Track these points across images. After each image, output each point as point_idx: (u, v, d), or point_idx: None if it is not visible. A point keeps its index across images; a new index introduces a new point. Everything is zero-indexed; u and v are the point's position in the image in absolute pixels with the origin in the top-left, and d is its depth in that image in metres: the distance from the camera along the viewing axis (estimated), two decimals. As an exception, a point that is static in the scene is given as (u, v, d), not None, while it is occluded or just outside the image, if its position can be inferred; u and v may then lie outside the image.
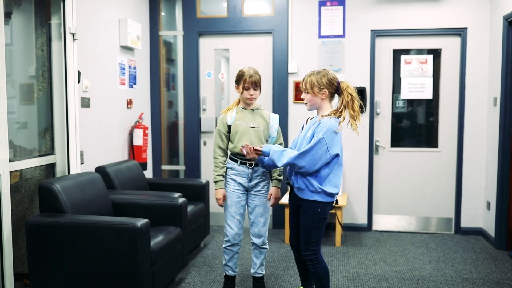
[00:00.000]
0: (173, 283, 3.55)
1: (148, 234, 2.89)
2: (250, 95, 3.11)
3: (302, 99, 2.81)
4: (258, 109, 3.22)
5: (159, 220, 3.45)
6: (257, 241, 3.23)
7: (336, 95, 2.79)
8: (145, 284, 2.85)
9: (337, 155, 2.66)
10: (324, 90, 2.69)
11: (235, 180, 3.18)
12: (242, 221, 3.23)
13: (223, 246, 3.27)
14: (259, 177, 3.17)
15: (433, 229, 5.02)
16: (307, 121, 2.86)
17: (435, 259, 4.15)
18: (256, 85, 3.11)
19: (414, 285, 3.54)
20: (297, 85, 5.00)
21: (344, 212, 5.01)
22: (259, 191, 3.19)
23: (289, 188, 2.93)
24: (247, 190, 3.22)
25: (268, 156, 2.78)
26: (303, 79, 2.76)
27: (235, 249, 3.24)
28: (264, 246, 3.26)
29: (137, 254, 2.80)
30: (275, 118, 3.23)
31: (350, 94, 2.67)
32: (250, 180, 3.16)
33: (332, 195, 2.71)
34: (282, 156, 2.70)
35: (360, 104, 2.74)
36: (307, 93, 2.73)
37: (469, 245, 4.54)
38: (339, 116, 2.68)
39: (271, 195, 3.20)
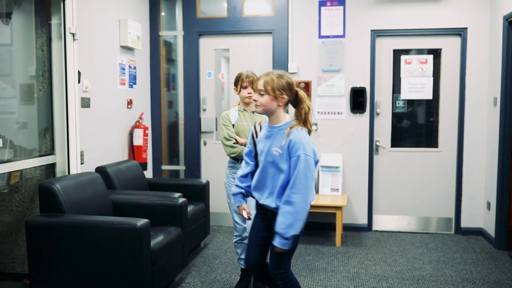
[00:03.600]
0: (173, 283, 3.55)
1: (148, 234, 2.89)
2: (248, 93, 3.23)
3: (256, 100, 2.44)
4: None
5: (159, 220, 3.45)
6: None
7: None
8: (145, 284, 2.85)
9: (317, 161, 2.43)
10: (284, 96, 2.39)
11: (235, 179, 3.22)
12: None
13: (234, 241, 3.38)
14: None
15: (433, 229, 5.02)
16: (260, 126, 2.59)
17: (435, 259, 4.15)
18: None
19: (414, 285, 3.54)
20: (297, 85, 4.98)
21: (344, 212, 5.01)
22: None
23: (255, 202, 2.63)
24: None
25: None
26: (260, 78, 2.43)
27: (246, 241, 3.33)
28: None
29: (137, 254, 2.80)
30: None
31: (309, 105, 2.43)
32: None
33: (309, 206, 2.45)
34: (292, 225, 2.30)
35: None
36: (263, 94, 2.39)
37: (469, 245, 4.54)
38: (302, 126, 2.41)
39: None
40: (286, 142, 2.36)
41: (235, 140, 3.20)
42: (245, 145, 3.16)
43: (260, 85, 2.40)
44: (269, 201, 2.46)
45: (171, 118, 5.39)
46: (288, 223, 2.30)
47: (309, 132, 2.43)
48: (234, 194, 2.65)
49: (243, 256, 3.37)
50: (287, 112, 2.55)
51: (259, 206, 2.58)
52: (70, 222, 2.89)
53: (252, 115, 3.28)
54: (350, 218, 5.06)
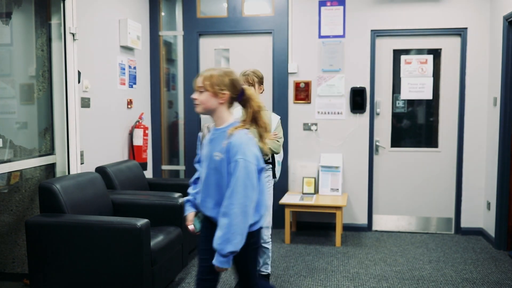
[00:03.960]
0: (173, 283, 3.55)
1: (148, 234, 2.89)
2: None
3: (195, 99, 2.22)
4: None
5: (159, 220, 3.45)
6: None
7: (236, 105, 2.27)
8: (145, 284, 2.85)
9: (262, 168, 2.18)
10: (225, 92, 2.15)
11: None
12: None
13: None
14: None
15: (433, 229, 5.02)
16: (206, 129, 2.37)
17: (435, 259, 4.15)
18: (249, 82, 3.20)
19: (414, 285, 3.54)
20: (297, 85, 5.00)
21: (344, 212, 5.01)
22: None
23: (197, 216, 2.35)
24: None
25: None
26: (200, 74, 2.22)
27: None
28: (265, 245, 3.28)
29: (137, 254, 2.80)
30: (274, 119, 3.29)
31: (258, 104, 2.18)
32: None
33: (261, 216, 2.22)
34: (229, 240, 2.03)
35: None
36: (202, 91, 2.18)
37: (469, 245, 4.54)
38: (247, 128, 2.18)
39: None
40: (226, 145, 2.11)
41: None
42: None
43: (199, 82, 2.20)
44: (215, 213, 2.18)
45: (171, 118, 5.39)
46: (224, 238, 2.02)
47: (265, 132, 2.20)
48: (184, 202, 2.42)
49: None
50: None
51: (206, 218, 2.28)
52: (70, 222, 2.89)
53: None
54: (350, 218, 5.06)
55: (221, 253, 2.03)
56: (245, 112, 2.20)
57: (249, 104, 2.18)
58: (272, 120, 3.27)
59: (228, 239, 2.02)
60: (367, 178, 5.00)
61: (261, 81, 3.25)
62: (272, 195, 3.33)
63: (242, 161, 2.05)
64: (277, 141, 3.19)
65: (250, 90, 2.21)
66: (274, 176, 3.32)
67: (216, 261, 2.06)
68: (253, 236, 2.19)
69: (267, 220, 3.26)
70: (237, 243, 2.03)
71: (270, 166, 3.28)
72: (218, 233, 2.05)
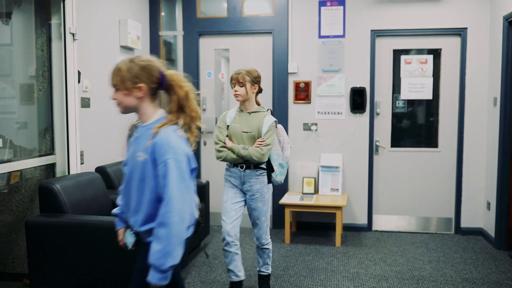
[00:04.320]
0: (173, 283, 3.55)
1: (148, 234, 2.89)
2: (235, 91, 3.08)
3: (113, 99, 1.91)
4: (257, 112, 3.12)
5: (159, 220, 3.45)
6: (256, 242, 3.26)
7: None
8: (145, 284, 2.85)
9: (194, 169, 1.89)
10: (140, 84, 1.84)
11: (230, 181, 3.19)
12: (237, 217, 3.11)
13: (222, 247, 3.20)
14: (252, 180, 3.10)
15: (433, 229, 5.02)
16: (132, 128, 2.06)
17: (435, 259, 4.15)
18: (239, 81, 3.05)
19: (414, 285, 3.54)
20: (297, 85, 5.00)
21: (344, 212, 5.01)
22: (253, 195, 3.13)
23: (129, 229, 2.03)
24: (244, 192, 3.19)
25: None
26: (112, 70, 1.88)
27: (233, 250, 3.11)
28: (264, 247, 3.26)
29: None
30: (266, 122, 3.06)
31: (185, 89, 1.87)
32: (243, 183, 3.13)
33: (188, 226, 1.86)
34: (169, 253, 1.75)
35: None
36: (117, 90, 1.87)
37: (469, 245, 4.54)
38: (176, 123, 1.86)
39: None
40: (150, 144, 1.81)
41: (225, 143, 3.08)
42: (231, 150, 3.05)
43: (110, 79, 1.89)
44: (133, 221, 1.92)
45: (171, 118, 5.38)
46: (164, 251, 1.74)
47: (193, 121, 1.89)
48: (113, 215, 2.12)
49: (231, 267, 3.15)
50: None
51: (141, 244, 1.98)
52: (70, 222, 2.89)
53: (248, 116, 3.09)
54: (350, 218, 5.06)
55: (161, 268, 1.74)
56: (170, 100, 1.87)
57: (173, 91, 1.86)
58: (264, 122, 3.04)
59: (168, 252, 1.74)
60: (367, 178, 5.00)
61: (254, 81, 3.06)
62: (270, 201, 3.22)
63: (172, 161, 1.77)
64: (261, 149, 2.99)
65: (173, 75, 1.88)
66: (269, 181, 3.15)
67: (153, 278, 1.75)
68: None
69: (265, 224, 3.23)
70: (177, 255, 1.77)
71: (264, 171, 3.11)
72: (156, 247, 1.75)
